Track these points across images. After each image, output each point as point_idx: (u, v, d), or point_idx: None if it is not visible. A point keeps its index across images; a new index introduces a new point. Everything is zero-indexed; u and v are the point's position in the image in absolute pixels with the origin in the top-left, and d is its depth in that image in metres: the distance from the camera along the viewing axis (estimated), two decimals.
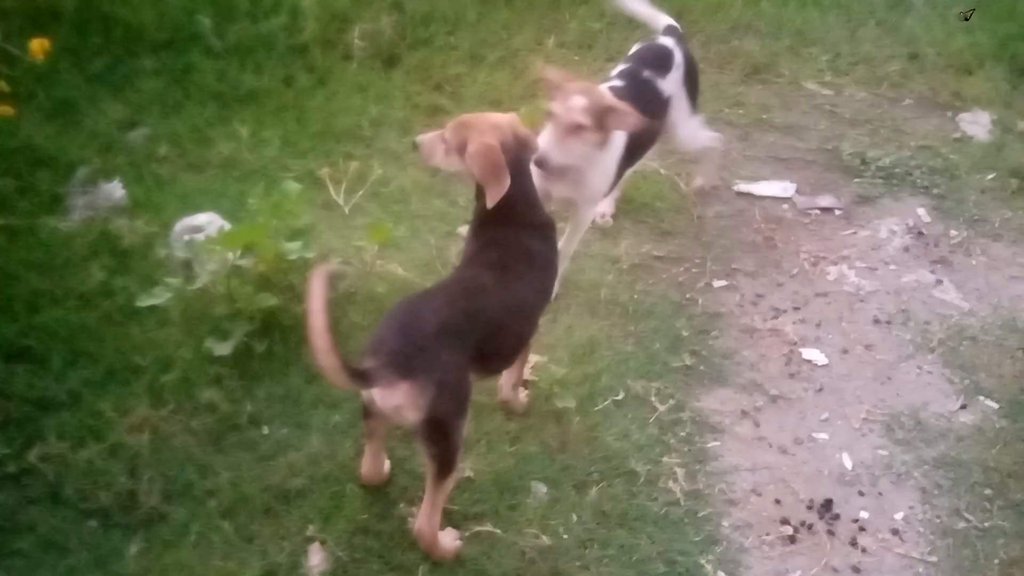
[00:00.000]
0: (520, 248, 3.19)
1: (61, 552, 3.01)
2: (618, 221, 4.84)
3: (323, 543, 3.09)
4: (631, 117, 3.77)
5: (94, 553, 3.01)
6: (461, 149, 3.12)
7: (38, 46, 4.48)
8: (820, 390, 3.99)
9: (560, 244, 3.82)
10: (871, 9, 7.01)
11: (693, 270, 4.60)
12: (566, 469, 3.49)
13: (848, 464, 3.67)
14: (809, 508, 3.48)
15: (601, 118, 3.77)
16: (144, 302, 3.60)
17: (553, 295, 3.57)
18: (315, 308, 2.64)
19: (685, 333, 4.20)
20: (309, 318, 2.65)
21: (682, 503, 3.43)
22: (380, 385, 2.77)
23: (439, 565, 3.06)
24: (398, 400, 2.77)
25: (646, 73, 4.34)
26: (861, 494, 3.56)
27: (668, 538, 3.29)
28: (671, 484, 3.49)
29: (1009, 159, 5.65)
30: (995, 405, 3.98)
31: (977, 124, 6.03)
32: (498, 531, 3.22)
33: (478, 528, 3.22)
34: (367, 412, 3.01)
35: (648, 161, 5.43)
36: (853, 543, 3.37)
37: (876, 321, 4.38)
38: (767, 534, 3.37)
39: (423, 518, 2.98)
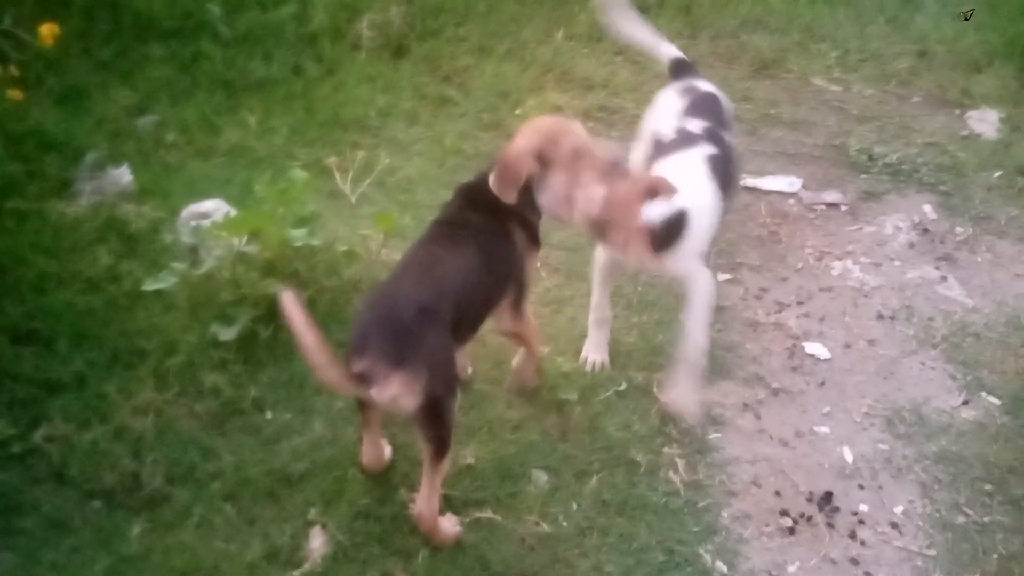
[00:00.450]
0: (485, 229, 3.21)
1: (65, 532, 3.03)
2: None
3: (324, 527, 3.11)
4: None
5: (97, 533, 3.04)
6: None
7: (47, 31, 4.51)
8: (822, 384, 4.00)
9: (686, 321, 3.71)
10: (880, 6, 6.99)
11: None
12: (567, 458, 3.50)
13: (849, 457, 3.68)
14: (809, 500, 3.49)
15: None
16: (150, 286, 3.62)
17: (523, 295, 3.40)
18: (300, 328, 2.66)
19: None
20: (298, 339, 2.67)
21: (682, 493, 3.44)
22: (377, 380, 2.77)
23: (439, 550, 3.08)
24: (394, 391, 2.77)
25: (726, 136, 3.93)
26: (861, 487, 3.57)
27: (667, 527, 3.30)
28: (671, 474, 3.50)
29: (1017, 157, 5.64)
30: (997, 401, 3.98)
31: (985, 122, 6.02)
32: (498, 518, 3.24)
33: (478, 514, 3.24)
34: (361, 402, 3.03)
35: None
36: (852, 536, 3.38)
37: (880, 316, 4.39)
38: (766, 525, 3.39)
39: (422, 501, 2.99)
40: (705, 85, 4.17)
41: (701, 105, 4.00)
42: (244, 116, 5.12)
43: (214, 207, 4.13)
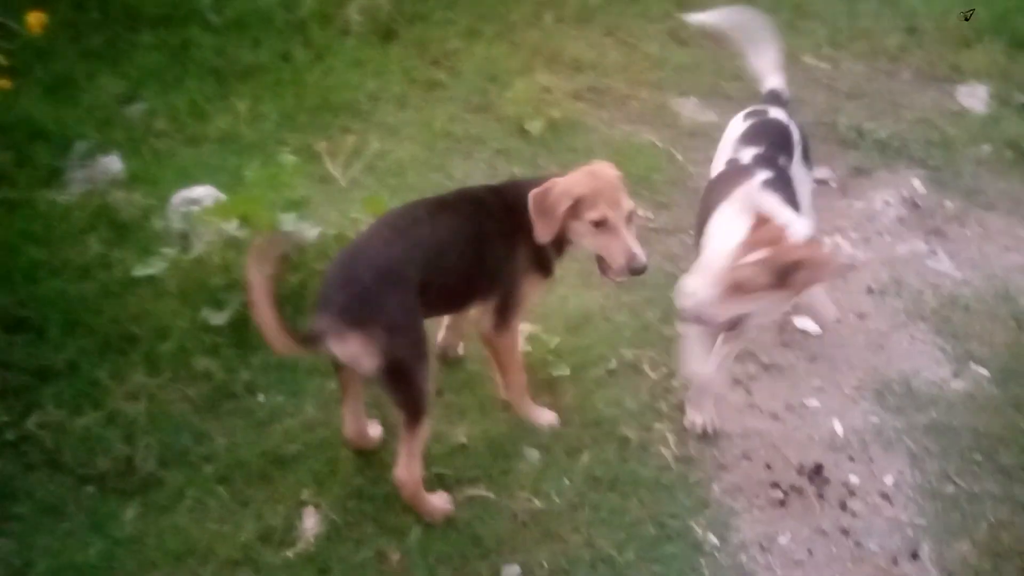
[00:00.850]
0: (482, 215, 3.21)
1: (59, 517, 3.05)
2: None
3: (317, 507, 3.13)
4: (828, 267, 3.11)
5: (91, 518, 3.05)
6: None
7: (36, 20, 4.50)
8: (813, 358, 4.02)
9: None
10: None
11: (687, 241, 4.61)
12: (558, 435, 3.52)
13: (839, 430, 3.70)
14: (799, 473, 3.51)
15: (785, 275, 3.04)
16: (140, 272, 3.64)
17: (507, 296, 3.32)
18: (255, 286, 2.69)
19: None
20: (251, 297, 2.70)
21: (673, 468, 3.46)
22: (332, 339, 2.81)
23: (432, 527, 3.10)
24: (353, 350, 2.81)
25: (782, 160, 3.70)
26: (851, 459, 3.59)
27: (659, 502, 3.32)
28: (663, 449, 3.52)
29: (1005, 131, 5.66)
30: (986, 372, 4.01)
31: (974, 97, 6.04)
32: (491, 495, 3.26)
33: (471, 492, 3.25)
34: (337, 370, 3.07)
35: (644, 134, 5.49)
36: (842, 506, 3.41)
37: (869, 291, 4.41)
38: (757, 498, 3.41)
39: (401, 467, 3.01)
40: (776, 112, 3.98)
41: (760, 131, 3.84)
42: (234, 103, 5.12)
43: (204, 193, 4.13)
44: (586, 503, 3.29)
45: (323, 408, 3.47)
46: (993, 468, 3.60)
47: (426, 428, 3.01)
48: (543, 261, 3.30)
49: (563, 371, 3.74)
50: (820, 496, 3.44)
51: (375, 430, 3.35)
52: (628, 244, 3.10)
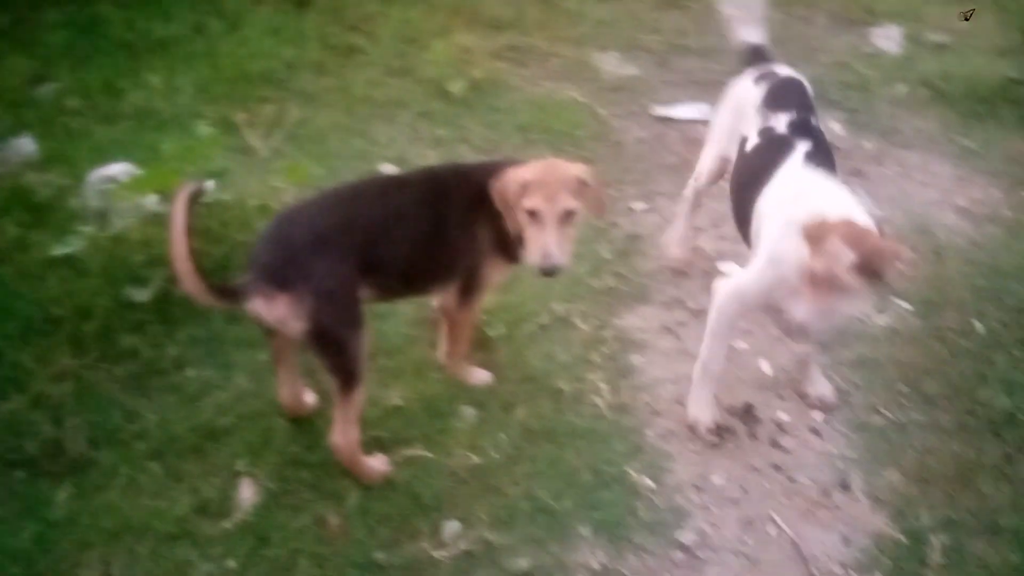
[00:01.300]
0: (442, 196, 3.15)
1: None
2: (538, 150, 4.86)
3: (253, 477, 3.11)
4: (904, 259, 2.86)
5: (23, 502, 3.01)
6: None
7: None
8: None
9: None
10: None
11: (614, 195, 4.64)
12: (493, 392, 3.53)
13: (767, 370, 3.77)
14: (731, 413, 3.57)
15: (871, 266, 2.83)
16: (58, 251, 3.58)
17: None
18: (176, 231, 2.68)
19: (607, 256, 4.26)
20: (171, 243, 2.69)
21: (607, 416, 3.50)
22: (258, 299, 2.79)
23: (371, 490, 3.10)
24: (279, 312, 2.79)
25: (813, 120, 3.58)
26: (780, 398, 3.66)
27: (594, 450, 3.36)
28: (596, 399, 3.56)
29: (920, 70, 5.76)
30: (909, 306, 4.10)
31: (888, 38, 6.13)
32: (428, 454, 3.26)
33: (409, 452, 3.26)
34: (267, 331, 3.03)
35: (566, 90, 5.50)
36: (774, 444, 3.47)
37: None
38: (690, 440, 3.46)
39: (336, 432, 3.01)
40: (783, 70, 3.81)
41: (783, 94, 3.65)
42: (147, 78, 5.04)
43: (121, 170, 4.06)
44: (523, 456, 3.31)
45: (254, 379, 3.44)
46: (918, 398, 3.68)
47: (361, 394, 3.00)
48: (508, 246, 3.23)
49: (499, 330, 3.75)
50: (752, 435, 3.50)
51: (310, 397, 3.34)
52: (546, 241, 3.02)
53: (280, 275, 2.79)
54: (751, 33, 3.99)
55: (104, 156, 4.25)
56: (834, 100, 5.45)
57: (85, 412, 3.27)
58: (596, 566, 2.98)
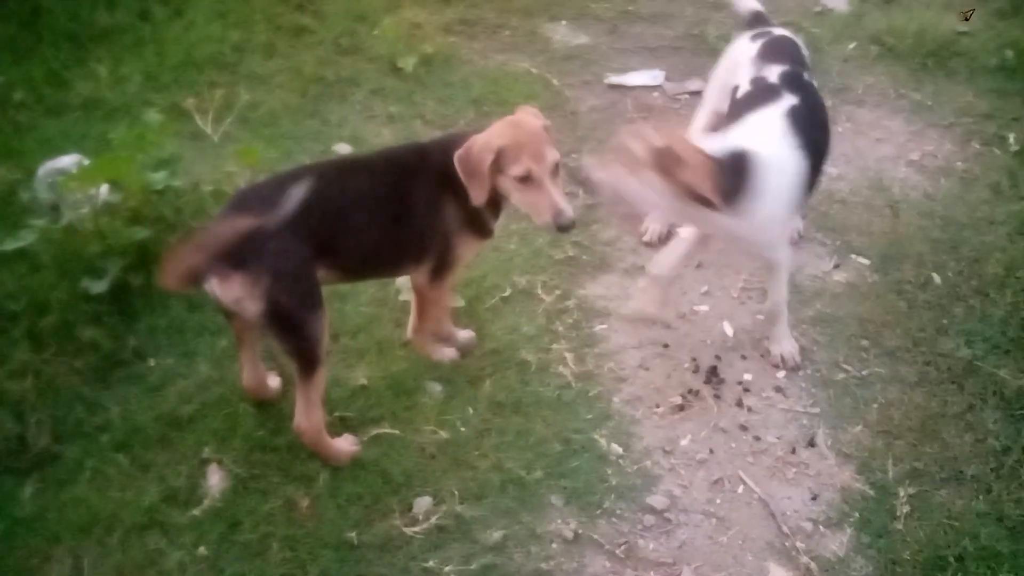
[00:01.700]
0: (403, 176, 3.12)
1: None
2: (492, 122, 4.83)
3: (220, 463, 3.10)
4: (702, 179, 3.04)
5: None
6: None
7: None
8: (698, 266, 4.09)
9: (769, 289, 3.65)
10: None
11: (570, 164, 4.62)
12: (459, 367, 3.53)
13: (729, 331, 3.80)
14: (695, 376, 3.59)
15: (667, 165, 3.07)
16: (10, 246, 3.53)
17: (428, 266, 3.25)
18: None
19: None
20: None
21: (573, 385, 3.51)
22: (214, 279, 2.76)
23: (340, 471, 3.10)
24: (235, 292, 2.76)
25: (806, 75, 3.65)
26: (744, 358, 3.68)
27: (562, 419, 3.37)
28: (562, 369, 3.57)
29: (868, 27, 5.79)
30: (866, 261, 4.13)
31: None
32: (396, 432, 3.26)
33: (376, 431, 3.26)
34: (227, 314, 3.00)
35: (518, 62, 5.48)
36: (739, 404, 3.50)
37: None
38: (657, 405, 3.48)
39: (299, 415, 3.00)
40: (779, 30, 3.92)
41: (778, 48, 3.75)
42: (94, 67, 4.98)
43: (72, 162, 4.01)
44: (492, 428, 3.32)
45: (216, 366, 3.42)
46: (879, 352, 3.72)
47: (322, 376, 2.98)
48: (478, 222, 3.20)
49: (458, 303, 3.74)
50: (717, 396, 3.52)
51: (273, 381, 3.32)
52: (554, 199, 3.00)
53: (234, 256, 2.74)
54: (752, 2, 4.14)
55: (53, 148, 4.20)
56: None
57: (47, 407, 3.24)
58: (568, 534, 3.00)
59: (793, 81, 3.55)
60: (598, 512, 3.08)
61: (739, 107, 3.58)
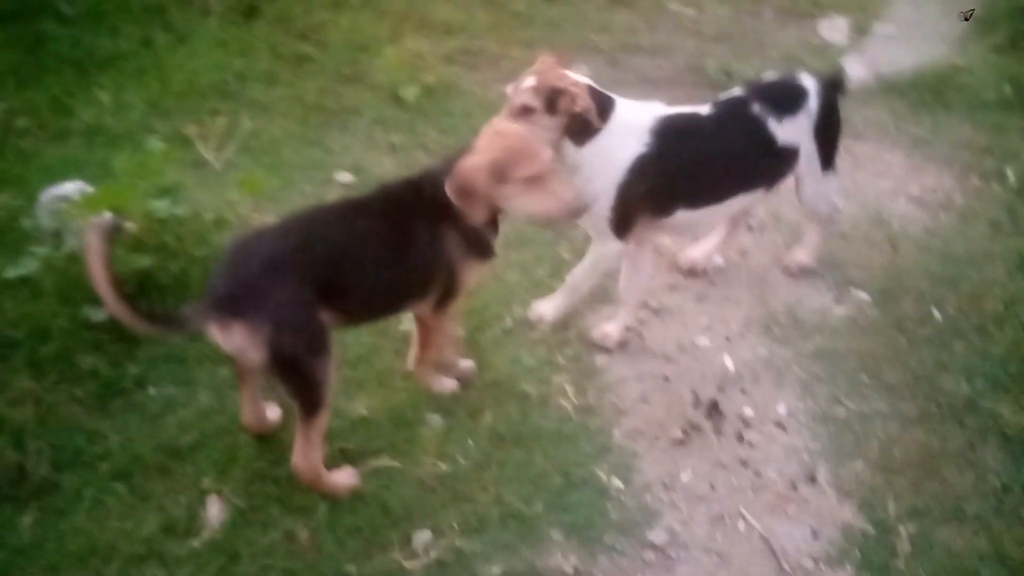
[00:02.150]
0: (403, 210, 3.09)
1: None
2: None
3: (220, 494, 3.08)
4: (581, 100, 3.41)
5: None
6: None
7: None
8: (700, 299, 4.11)
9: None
10: None
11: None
12: (459, 398, 3.52)
13: (730, 365, 3.79)
14: (696, 409, 3.59)
15: (551, 100, 3.43)
16: (12, 273, 3.53)
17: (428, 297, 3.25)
18: (94, 265, 2.62)
19: (567, 257, 4.26)
20: (91, 275, 2.63)
21: (574, 418, 3.50)
22: (214, 327, 2.75)
23: (339, 503, 3.08)
24: (236, 341, 2.75)
25: (755, 108, 3.69)
26: (744, 392, 3.68)
27: (563, 452, 3.36)
28: (562, 401, 3.56)
29: (867, 61, 5.82)
30: (866, 296, 4.14)
31: (835, 30, 6.20)
32: (396, 464, 3.25)
33: (376, 463, 3.24)
34: (232, 359, 2.99)
35: None
36: (739, 438, 3.49)
37: (749, 228, 4.50)
38: (657, 439, 3.47)
39: (297, 454, 2.98)
40: (807, 82, 3.81)
41: (764, 86, 3.83)
42: (97, 94, 5.00)
43: (74, 189, 4.00)
44: (492, 461, 3.31)
45: (217, 395, 3.41)
46: (880, 387, 3.72)
47: (324, 418, 2.96)
48: (479, 244, 3.19)
49: (459, 333, 3.73)
50: (717, 431, 3.52)
51: (273, 412, 3.31)
52: (562, 190, 3.05)
53: (234, 303, 2.73)
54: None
55: (56, 175, 4.18)
56: None
57: (47, 435, 3.21)
58: (569, 569, 2.99)
59: (729, 102, 3.73)
60: (598, 547, 3.07)
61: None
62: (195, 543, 2.94)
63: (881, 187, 4.88)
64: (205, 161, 4.58)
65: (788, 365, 3.79)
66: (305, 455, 2.97)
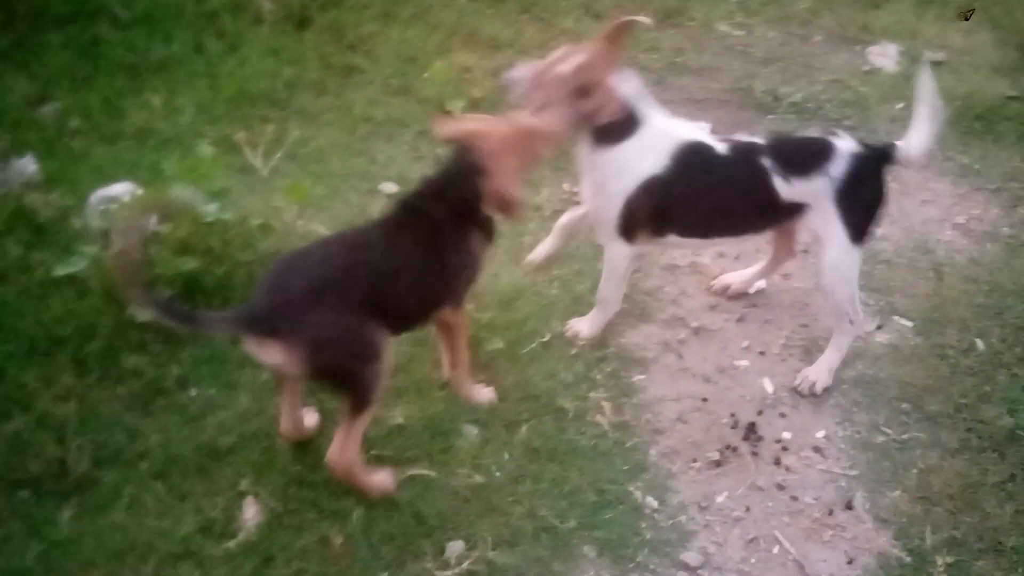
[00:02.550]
0: (430, 222, 3.13)
1: None
2: (537, 168, 4.87)
3: (257, 496, 3.11)
4: (609, 108, 3.45)
5: (27, 522, 3.01)
6: None
7: None
8: (741, 320, 4.09)
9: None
10: None
11: None
12: (496, 410, 3.53)
13: (769, 388, 3.77)
14: (733, 431, 3.57)
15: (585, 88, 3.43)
16: (61, 271, 3.59)
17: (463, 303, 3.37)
18: (124, 250, 2.70)
19: None
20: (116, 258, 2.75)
21: (610, 435, 3.50)
22: (251, 341, 2.85)
23: (374, 509, 3.10)
24: (275, 358, 2.83)
25: (765, 160, 3.54)
26: (783, 416, 3.66)
27: (597, 469, 3.36)
28: (599, 418, 3.56)
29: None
30: (909, 324, 4.10)
31: (885, 56, 6.16)
32: (431, 473, 3.26)
33: (412, 472, 3.26)
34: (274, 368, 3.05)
35: None
36: (777, 462, 3.47)
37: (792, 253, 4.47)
38: (693, 460, 3.46)
39: (335, 448, 3.00)
40: (840, 144, 3.63)
41: (785, 141, 3.89)
42: (148, 97, 5.06)
43: (123, 190, 4.07)
44: (526, 475, 3.31)
45: (256, 399, 3.44)
46: (920, 416, 3.69)
47: (369, 416, 3.00)
48: (490, 230, 3.28)
49: (496, 344, 3.75)
50: (755, 454, 3.50)
51: (311, 419, 3.34)
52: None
53: (271, 322, 2.80)
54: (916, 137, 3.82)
55: (106, 176, 4.25)
56: (832, 118, 5.47)
57: (89, 432, 3.27)
58: None
59: (743, 146, 3.62)
60: (631, 566, 3.07)
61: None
62: (231, 544, 2.97)
63: (927, 215, 4.84)
64: (252, 167, 4.63)
65: (828, 390, 3.75)
66: (343, 449, 2.99)
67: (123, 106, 5.00)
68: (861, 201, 3.60)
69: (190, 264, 3.64)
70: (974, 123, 5.54)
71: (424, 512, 3.14)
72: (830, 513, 3.30)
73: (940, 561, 3.13)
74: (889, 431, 3.63)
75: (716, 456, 3.48)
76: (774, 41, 6.28)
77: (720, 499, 3.33)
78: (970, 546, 3.19)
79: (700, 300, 4.18)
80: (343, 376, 2.90)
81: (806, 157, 3.57)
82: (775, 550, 3.17)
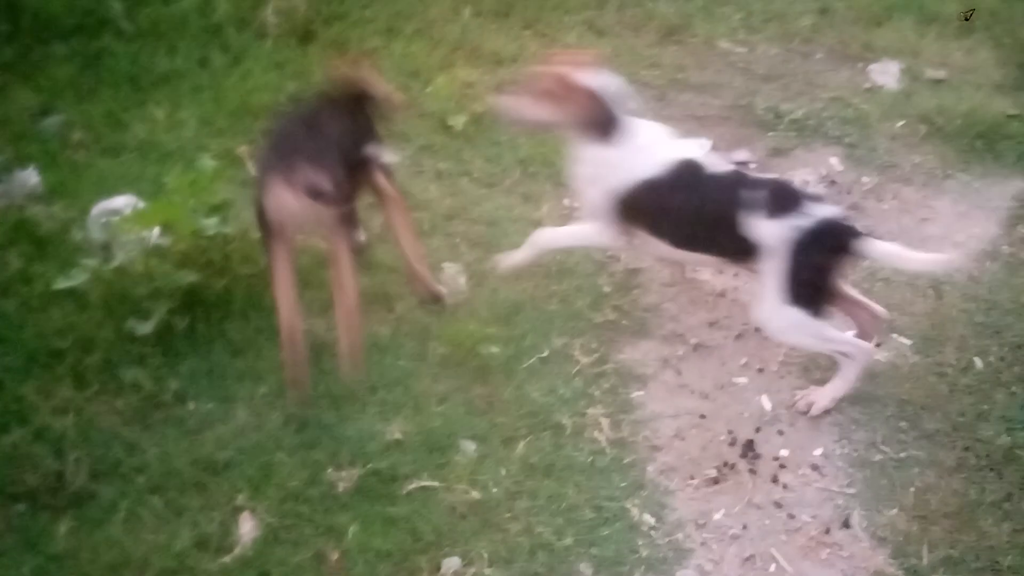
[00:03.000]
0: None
1: None
2: (538, 184, 4.90)
3: (253, 511, 3.12)
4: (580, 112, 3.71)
5: (23, 535, 3.02)
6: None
7: None
8: (739, 337, 4.08)
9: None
10: None
11: None
12: (493, 426, 3.54)
13: (767, 405, 3.77)
14: (731, 448, 3.57)
15: (557, 94, 3.73)
16: (61, 284, 3.61)
17: None
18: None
19: (607, 289, 4.27)
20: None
21: (608, 451, 3.50)
22: (270, 199, 3.36)
23: (369, 524, 3.11)
24: (288, 203, 3.35)
25: (744, 194, 3.56)
26: (781, 433, 3.66)
27: (595, 486, 3.36)
28: (596, 434, 3.56)
29: (918, 106, 5.78)
30: (908, 342, 4.10)
31: (887, 74, 6.16)
32: (432, 483, 3.28)
33: (409, 486, 3.27)
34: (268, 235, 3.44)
35: None
36: (775, 480, 3.47)
37: None
38: (691, 477, 3.46)
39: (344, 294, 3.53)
40: (826, 210, 3.61)
41: (772, 180, 3.89)
42: (151, 110, 5.08)
43: (125, 203, 4.09)
44: (523, 491, 3.32)
45: (255, 413, 3.46)
46: (918, 434, 3.68)
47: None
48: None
49: (493, 349, 3.78)
50: (752, 471, 3.50)
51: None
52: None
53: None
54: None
55: (108, 189, 4.28)
56: (833, 135, 5.47)
57: (86, 445, 3.28)
58: None
59: (729, 174, 3.73)
60: None
61: None
62: (227, 559, 2.98)
63: (926, 232, 4.83)
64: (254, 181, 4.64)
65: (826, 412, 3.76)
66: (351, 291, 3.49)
67: (126, 119, 5.02)
68: (802, 264, 3.50)
69: (190, 277, 3.65)
70: (975, 141, 5.54)
71: (420, 528, 3.14)
72: (827, 531, 3.30)
73: None
74: (887, 449, 3.62)
75: (714, 473, 3.48)
76: (776, 58, 6.28)
77: (717, 516, 3.33)
78: (967, 565, 3.19)
79: (699, 317, 4.17)
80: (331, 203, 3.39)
81: (783, 198, 3.56)
82: (772, 568, 3.17)
